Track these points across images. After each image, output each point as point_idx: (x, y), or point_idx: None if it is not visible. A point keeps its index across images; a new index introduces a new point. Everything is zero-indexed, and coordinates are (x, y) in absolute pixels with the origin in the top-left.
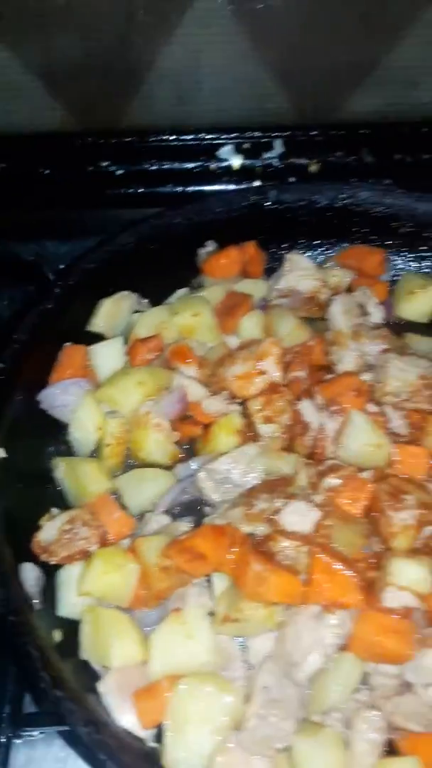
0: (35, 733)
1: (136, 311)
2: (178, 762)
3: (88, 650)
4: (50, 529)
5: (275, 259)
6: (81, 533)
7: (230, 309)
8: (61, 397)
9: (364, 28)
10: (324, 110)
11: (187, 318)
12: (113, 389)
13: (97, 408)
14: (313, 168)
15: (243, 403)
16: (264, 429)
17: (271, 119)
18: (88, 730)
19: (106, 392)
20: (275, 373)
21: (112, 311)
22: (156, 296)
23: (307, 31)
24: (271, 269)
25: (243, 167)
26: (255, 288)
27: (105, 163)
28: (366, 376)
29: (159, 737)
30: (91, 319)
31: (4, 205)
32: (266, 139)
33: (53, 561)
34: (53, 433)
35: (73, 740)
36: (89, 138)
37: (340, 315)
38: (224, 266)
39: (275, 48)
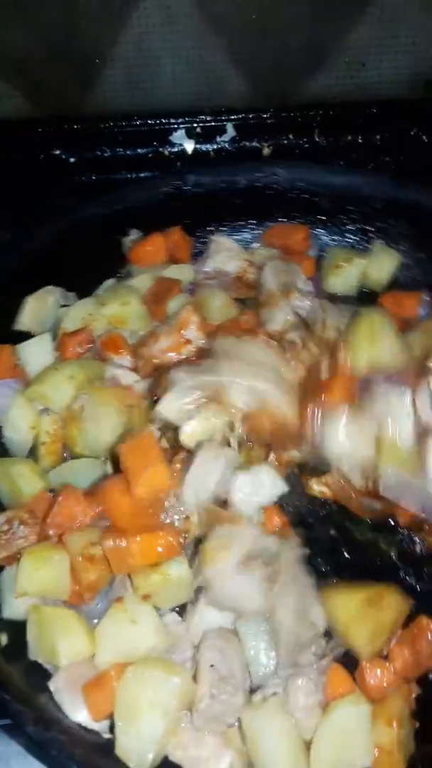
0: None
1: (63, 305)
2: (130, 749)
3: (35, 650)
4: None
5: (202, 243)
6: (19, 532)
7: (159, 295)
8: None
9: (316, 10)
10: (277, 92)
11: (115, 308)
12: (44, 386)
13: (29, 407)
14: (266, 151)
15: None
16: None
17: (226, 102)
18: (37, 729)
19: (37, 390)
20: (200, 340)
21: (37, 307)
22: (83, 289)
23: (260, 13)
24: (199, 253)
25: (196, 151)
26: (182, 273)
27: (57, 151)
28: (293, 335)
29: (113, 728)
30: (17, 317)
31: None
32: (218, 123)
33: None
34: None
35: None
36: (42, 125)
37: (270, 276)
38: (150, 253)
39: (230, 31)
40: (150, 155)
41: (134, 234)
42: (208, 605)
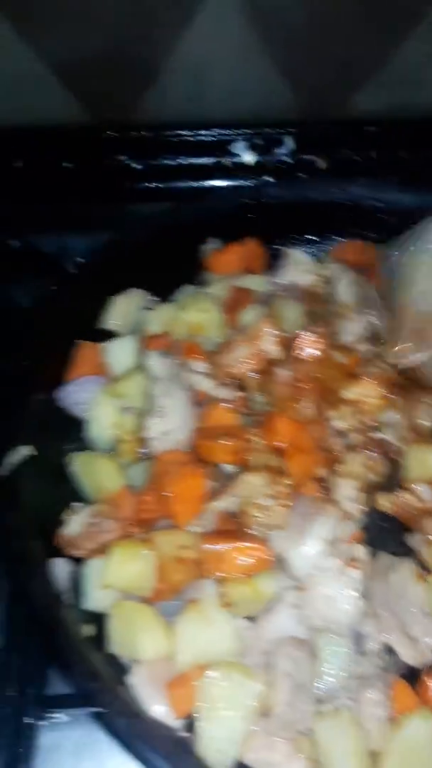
0: (61, 715)
1: (145, 308)
2: (212, 749)
3: (116, 644)
4: (74, 524)
5: (276, 255)
6: (105, 526)
7: (234, 304)
8: (78, 394)
9: (373, 26)
10: (332, 107)
11: (195, 315)
12: (128, 385)
13: (113, 405)
14: (322, 164)
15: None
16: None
17: (282, 116)
18: (126, 721)
19: (121, 388)
20: (275, 350)
21: (124, 308)
22: (162, 293)
23: (315, 28)
24: (273, 265)
25: (255, 163)
26: (257, 283)
27: (123, 158)
28: (365, 348)
29: (188, 727)
30: (103, 316)
31: (25, 198)
32: (277, 136)
33: (79, 554)
34: (72, 430)
35: (107, 726)
36: (108, 132)
37: (345, 288)
38: (227, 262)
39: (285, 45)
40: (211, 165)
41: (213, 243)
42: (288, 614)
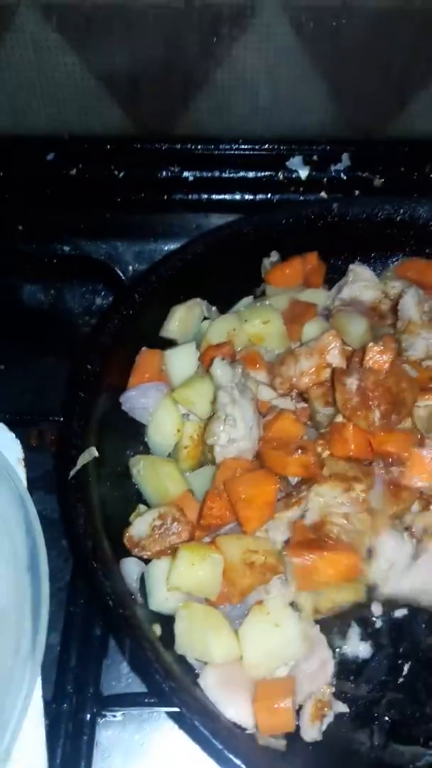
0: (117, 714)
1: (205, 318)
2: None
3: (185, 646)
4: (141, 525)
5: (334, 270)
6: (172, 528)
7: (295, 317)
8: (141, 399)
9: (428, 44)
10: (389, 126)
11: (257, 326)
12: (191, 391)
13: (175, 411)
14: (377, 182)
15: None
16: (323, 410)
17: (339, 133)
18: (205, 719)
19: (184, 394)
20: (340, 362)
21: (185, 317)
22: (223, 304)
23: (371, 48)
24: (331, 280)
25: (310, 178)
26: (316, 297)
27: (177, 169)
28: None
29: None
30: (165, 324)
31: (78, 205)
32: (334, 153)
33: (146, 555)
34: (133, 434)
35: (184, 725)
36: (162, 144)
37: (412, 305)
38: (288, 276)
39: (341, 64)
40: (264, 179)
41: (274, 256)
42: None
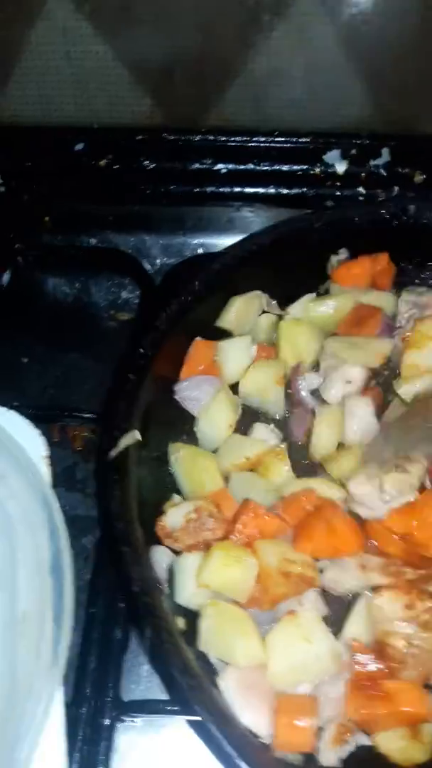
0: (137, 720)
1: (264, 312)
2: None
3: (209, 643)
4: (176, 516)
5: (404, 274)
6: (207, 524)
7: (359, 320)
8: (194, 391)
9: None
10: (427, 122)
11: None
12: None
13: (232, 406)
14: (418, 178)
15: None
16: None
17: (380, 128)
18: (217, 721)
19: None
20: None
21: (243, 310)
22: (284, 298)
23: (407, 43)
24: (400, 283)
25: (347, 173)
26: (383, 300)
27: (209, 161)
28: None
29: None
30: (222, 314)
31: (107, 197)
32: (374, 147)
33: (177, 547)
34: (177, 423)
35: (198, 730)
36: (195, 135)
37: None
38: (355, 276)
39: (384, 59)
40: (300, 173)
41: (343, 253)
42: None
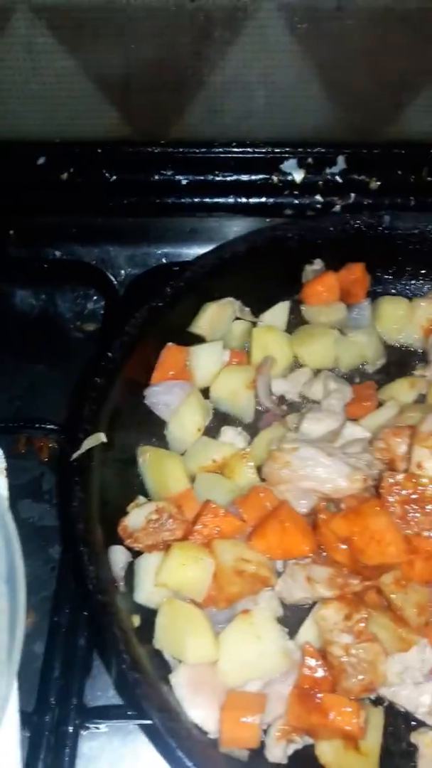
0: (101, 726)
1: (237, 318)
2: None
3: (162, 641)
4: (137, 516)
5: (379, 284)
6: (167, 525)
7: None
8: (165, 396)
9: (425, 46)
10: (385, 128)
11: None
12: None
13: (201, 410)
14: (373, 185)
15: None
16: None
17: (334, 136)
18: (162, 716)
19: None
20: None
21: (216, 316)
22: (257, 306)
23: (368, 50)
24: (374, 293)
25: (305, 181)
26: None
27: (170, 172)
28: None
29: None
30: (194, 320)
31: (70, 209)
32: (329, 155)
33: (137, 547)
34: (148, 427)
35: (146, 730)
36: (155, 147)
37: None
38: (321, 293)
39: (336, 66)
40: (259, 182)
41: (317, 264)
42: None
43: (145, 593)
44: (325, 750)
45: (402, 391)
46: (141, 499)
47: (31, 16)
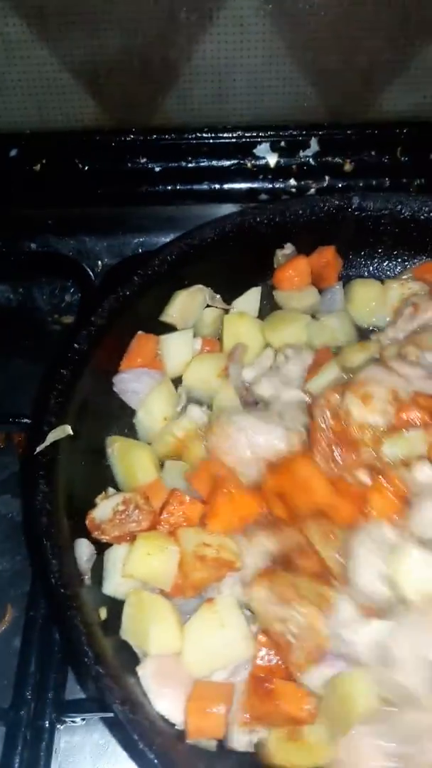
0: (77, 719)
1: (208, 306)
2: None
3: (128, 632)
4: (105, 508)
5: (351, 267)
6: (133, 516)
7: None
8: (133, 383)
9: (398, 27)
10: (358, 109)
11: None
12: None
13: (167, 398)
14: (348, 167)
15: None
16: None
17: (307, 118)
18: (124, 709)
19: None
20: None
21: (186, 304)
22: (228, 293)
23: (340, 30)
24: (347, 276)
25: (279, 165)
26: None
27: (143, 160)
28: None
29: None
30: (165, 309)
31: (44, 201)
32: (302, 138)
33: (104, 539)
34: (119, 417)
35: (111, 723)
36: (127, 135)
37: None
38: (292, 278)
39: (308, 47)
40: (233, 168)
41: (288, 248)
42: None
43: (113, 585)
44: (271, 740)
45: (353, 354)
46: (110, 491)
47: (1, 4)
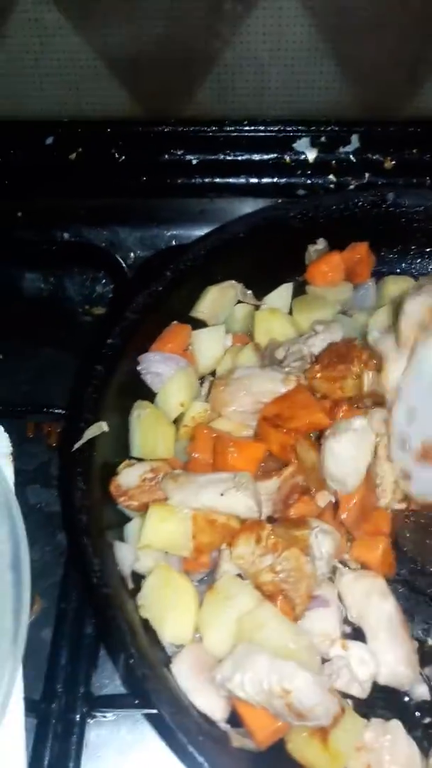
0: (108, 714)
1: (239, 302)
2: None
3: (148, 609)
4: (130, 476)
5: (384, 263)
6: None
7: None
8: (158, 365)
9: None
10: (400, 105)
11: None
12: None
13: (187, 386)
14: (388, 165)
15: None
16: None
17: (347, 114)
18: (172, 711)
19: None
20: None
21: (218, 299)
22: (260, 288)
23: (381, 27)
24: (379, 273)
25: (318, 161)
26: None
27: (180, 152)
28: None
29: (231, 720)
30: (196, 304)
31: (78, 190)
32: (343, 134)
33: (131, 507)
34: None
35: (152, 719)
36: (165, 126)
37: None
38: (326, 273)
39: (349, 43)
40: (271, 162)
41: (321, 243)
42: None
43: (132, 559)
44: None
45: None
46: (133, 460)
47: None
